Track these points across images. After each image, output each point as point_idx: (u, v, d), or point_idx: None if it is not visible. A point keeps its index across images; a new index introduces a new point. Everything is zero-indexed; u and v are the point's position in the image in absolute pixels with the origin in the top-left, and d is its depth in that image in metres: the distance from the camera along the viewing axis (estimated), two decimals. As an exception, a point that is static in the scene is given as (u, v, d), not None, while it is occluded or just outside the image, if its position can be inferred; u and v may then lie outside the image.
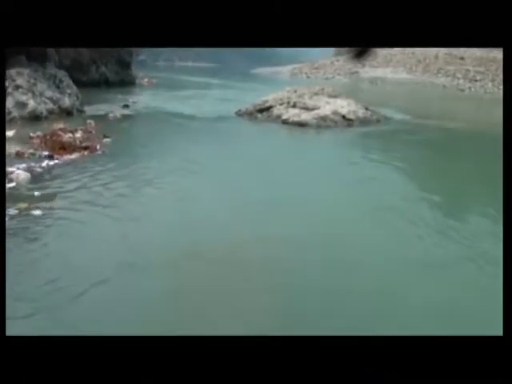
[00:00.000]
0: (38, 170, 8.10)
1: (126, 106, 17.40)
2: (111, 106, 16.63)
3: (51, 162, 8.64)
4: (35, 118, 12.62)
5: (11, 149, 8.74)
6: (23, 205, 6.15)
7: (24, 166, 8.08)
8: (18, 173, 7.52)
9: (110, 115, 14.61)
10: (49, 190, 7.09)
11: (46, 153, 9.14)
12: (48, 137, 10.09)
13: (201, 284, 4.51)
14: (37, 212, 6.03)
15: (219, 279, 4.60)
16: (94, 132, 11.23)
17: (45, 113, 13.10)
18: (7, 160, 7.62)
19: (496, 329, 2.19)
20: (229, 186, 7.89)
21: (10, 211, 5.85)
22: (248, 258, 5.09)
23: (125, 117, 14.91)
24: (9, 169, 7.57)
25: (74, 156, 9.23)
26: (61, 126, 10.86)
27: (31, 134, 10.34)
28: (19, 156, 8.72)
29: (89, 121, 12.50)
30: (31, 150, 9.13)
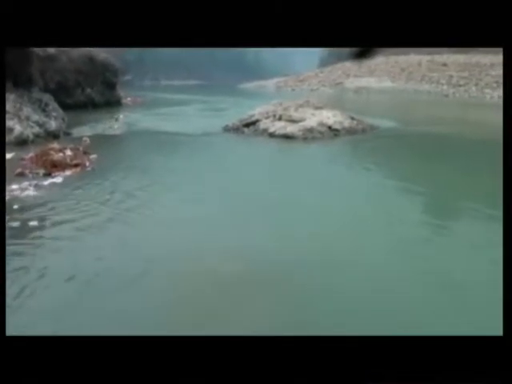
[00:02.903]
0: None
1: (116, 120, 18.34)
2: (98, 127, 16.70)
3: (56, 180, 8.79)
4: (22, 142, 12.49)
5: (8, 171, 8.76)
6: None
7: (27, 183, 8.31)
8: (22, 189, 7.81)
9: (116, 128, 15.98)
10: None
11: (42, 171, 9.35)
12: (39, 156, 10.20)
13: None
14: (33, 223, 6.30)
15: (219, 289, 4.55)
16: (81, 149, 11.41)
17: (31, 137, 12.99)
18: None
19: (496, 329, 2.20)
20: (225, 197, 7.92)
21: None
22: (251, 267, 5.06)
23: (107, 137, 15.18)
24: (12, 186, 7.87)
25: (68, 173, 9.44)
26: (54, 145, 10.94)
27: (23, 156, 10.42)
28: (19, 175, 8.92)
29: (84, 138, 12.77)
30: (23, 170, 9.25)
